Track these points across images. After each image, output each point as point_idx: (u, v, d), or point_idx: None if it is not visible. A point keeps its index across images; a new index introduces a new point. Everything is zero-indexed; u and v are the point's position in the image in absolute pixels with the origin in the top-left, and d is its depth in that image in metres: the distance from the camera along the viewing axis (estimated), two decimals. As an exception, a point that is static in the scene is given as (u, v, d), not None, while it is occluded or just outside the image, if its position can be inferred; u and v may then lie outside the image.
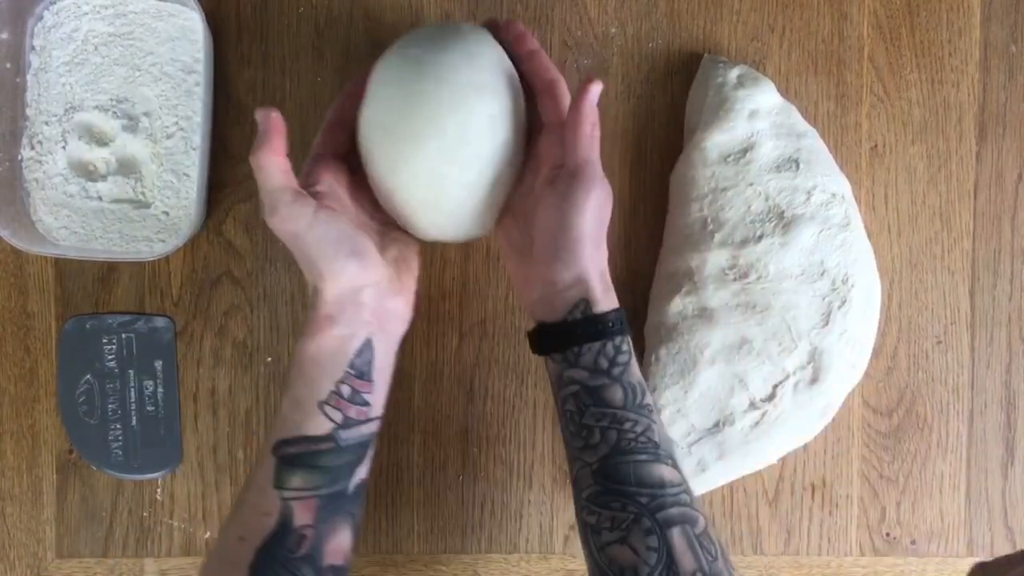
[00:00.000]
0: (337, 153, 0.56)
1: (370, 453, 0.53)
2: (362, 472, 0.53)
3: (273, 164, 0.50)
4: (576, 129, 0.53)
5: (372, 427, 0.53)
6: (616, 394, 0.52)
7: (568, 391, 0.53)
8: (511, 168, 0.56)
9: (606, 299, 0.53)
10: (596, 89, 0.53)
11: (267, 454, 0.51)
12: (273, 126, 0.50)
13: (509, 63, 0.57)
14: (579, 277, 0.53)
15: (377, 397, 0.53)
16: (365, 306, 0.52)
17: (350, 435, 0.51)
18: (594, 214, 0.53)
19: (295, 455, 0.50)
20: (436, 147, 0.53)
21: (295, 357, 0.52)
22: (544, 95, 0.56)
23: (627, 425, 0.51)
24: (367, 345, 0.53)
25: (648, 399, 0.53)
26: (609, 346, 0.52)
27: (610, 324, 0.53)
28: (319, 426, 0.51)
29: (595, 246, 0.53)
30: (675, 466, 0.52)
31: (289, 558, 0.49)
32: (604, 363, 0.52)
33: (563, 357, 0.53)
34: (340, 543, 0.51)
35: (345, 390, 0.52)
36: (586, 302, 0.53)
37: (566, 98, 0.56)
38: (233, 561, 0.49)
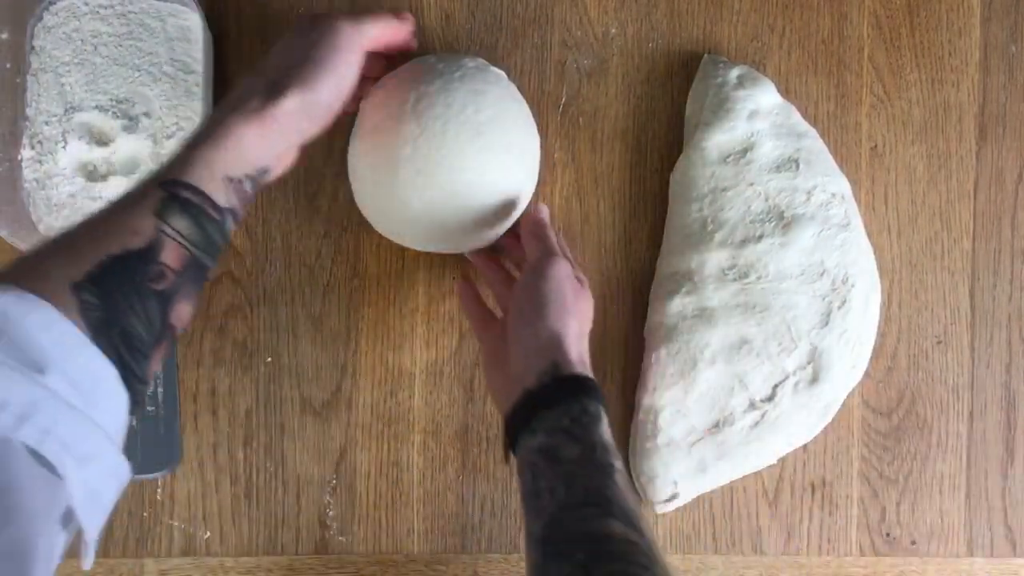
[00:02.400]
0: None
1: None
2: (213, 266, 0.50)
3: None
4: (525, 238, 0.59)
5: (230, 232, 0.51)
6: (571, 451, 0.49)
7: (526, 463, 0.50)
8: (511, 187, 0.60)
9: (580, 365, 0.52)
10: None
11: (154, 185, 0.47)
12: None
13: (510, 94, 0.61)
14: (549, 340, 0.52)
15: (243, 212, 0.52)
16: (303, 132, 0.53)
17: (229, 227, 0.50)
18: (558, 283, 0.54)
19: (187, 201, 0.47)
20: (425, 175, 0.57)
21: (226, 123, 0.49)
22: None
23: (578, 481, 0.48)
24: (279, 163, 0.53)
25: (613, 459, 0.49)
26: (575, 407, 0.50)
27: (580, 383, 0.51)
28: (218, 197, 0.48)
29: (564, 311, 0.54)
30: (629, 523, 0.46)
31: (142, 283, 0.45)
32: (565, 421, 0.50)
33: (528, 432, 0.50)
34: (185, 310, 0.47)
35: (249, 186, 0.50)
36: (556, 364, 0.51)
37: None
38: (75, 253, 0.44)
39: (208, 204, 0.48)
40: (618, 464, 0.49)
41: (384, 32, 0.57)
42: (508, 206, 0.61)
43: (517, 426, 0.51)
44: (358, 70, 0.55)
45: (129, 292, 0.44)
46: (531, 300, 0.54)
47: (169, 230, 0.46)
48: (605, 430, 0.51)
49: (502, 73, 0.62)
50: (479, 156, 0.57)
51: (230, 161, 0.49)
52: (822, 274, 0.63)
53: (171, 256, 0.46)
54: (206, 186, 0.48)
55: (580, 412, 0.50)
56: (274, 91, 0.51)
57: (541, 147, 0.63)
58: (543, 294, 0.54)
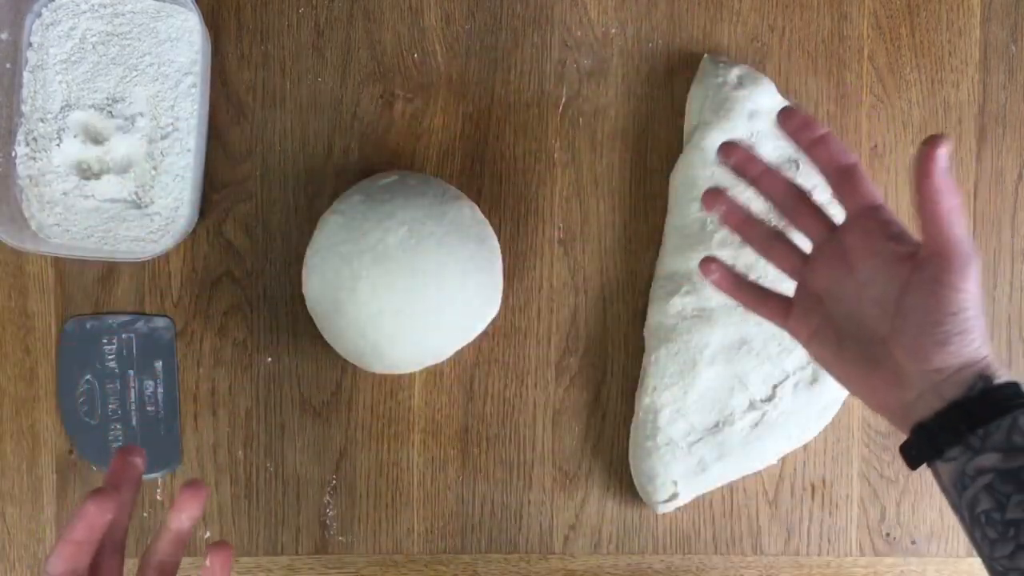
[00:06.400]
0: None
1: None
2: None
3: None
4: (934, 208, 0.46)
5: None
6: None
7: (978, 486, 0.46)
8: (470, 301, 0.61)
9: (1004, 369, 0.47)
10: (942, 154, 0.45)
11: None
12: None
13: (462, 206, 0.61)
14: (973, 356, 0.46)
15: None
16: None
17: None
18: (978, 288, 0.47)
19: None
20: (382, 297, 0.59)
21: None
22: (841, 183, 0.51)
23: None
24: None
25: None
26: (1021, 419, 0.45)
27: (1017, 395, 0.46)
28: None
29: (983, 317, 0.47)
30: None
31: None
32: (1020, 439, 0.45)
33: (963, 449, 0.46)
34: None
35: None
36: (985, 378, 0.46)
37: (865, 181, 0.50)
38: None
39: None
40: None
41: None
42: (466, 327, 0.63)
43: (944, 438, 0.47)
44: None
45: None
46: (958, 313, 0.46)
47: None
48: None
49: (461, 194, 0.63)
50: (433, 279, 0.59)
51: None
52: (822, 274, 0.63)
53: None
54: None
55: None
56: None
57: (541, 149, 0.63)
58: (971, 307, 0.46)
